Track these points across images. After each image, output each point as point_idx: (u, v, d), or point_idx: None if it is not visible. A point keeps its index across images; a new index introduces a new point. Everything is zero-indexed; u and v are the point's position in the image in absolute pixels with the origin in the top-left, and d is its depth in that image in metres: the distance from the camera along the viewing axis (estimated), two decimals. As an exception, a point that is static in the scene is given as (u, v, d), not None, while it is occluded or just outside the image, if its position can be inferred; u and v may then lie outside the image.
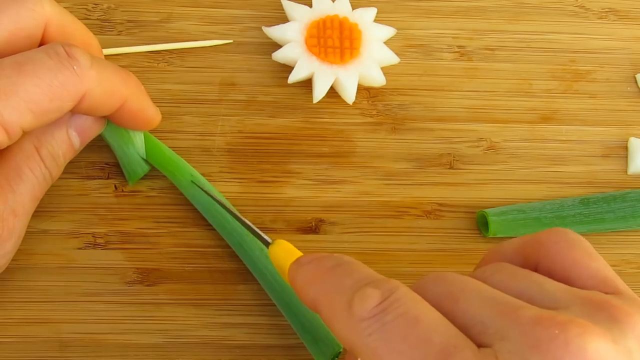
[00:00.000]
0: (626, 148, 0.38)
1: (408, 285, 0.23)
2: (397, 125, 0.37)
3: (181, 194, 0.35)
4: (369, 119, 0.37)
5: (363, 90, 0.38)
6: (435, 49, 0.39)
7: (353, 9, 0.38)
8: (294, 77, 0.36)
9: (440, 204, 0.36)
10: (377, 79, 0.37)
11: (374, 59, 0.37)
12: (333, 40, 0.36)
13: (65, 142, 0.30)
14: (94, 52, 0.32)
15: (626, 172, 0.38)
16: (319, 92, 0.36)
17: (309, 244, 0.35)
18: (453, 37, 0.40)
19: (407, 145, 0.37)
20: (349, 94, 0.36)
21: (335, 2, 0.38)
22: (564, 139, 0.38)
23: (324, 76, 0.36)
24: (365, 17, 0.38)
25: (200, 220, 0.35)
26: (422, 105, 0.38)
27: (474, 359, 0.21)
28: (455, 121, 0.38)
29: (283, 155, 0.36)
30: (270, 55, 0.37)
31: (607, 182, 0.37)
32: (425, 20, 0.40)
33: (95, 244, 0.34)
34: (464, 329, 0.22)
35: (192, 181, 0.33)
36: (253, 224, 0.34)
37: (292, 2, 0.38)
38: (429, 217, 0.36)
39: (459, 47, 0.39)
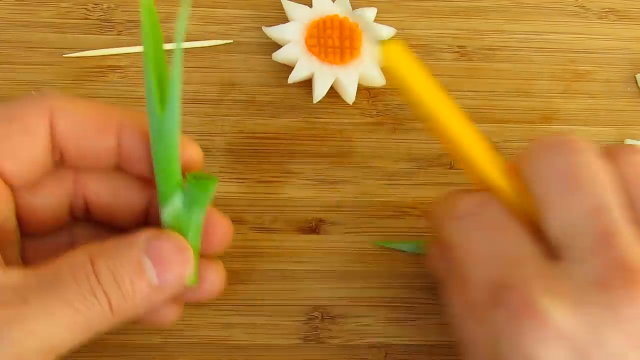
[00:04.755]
0: (626, 148, 0.38)
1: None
2: (397, 125, 0.37)
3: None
4: (369, 119, 0.37)
5: (363, 90, 0.38)
6: (435, 49, 0.39)
7: (353, 9, 0.38)
8: (294, 77, 0.36)
9: (440, 204, 0.36)
10: (377, 79, 0.37)
11: (374, 59, 0.37)
12: (333, 40, 0.36)
13: (134, 267, 0.23)
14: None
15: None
16: (319, 92, 0.36)
17: (309, 244, 0.35)
18: (453, 37, 0.40)
19: (407, 145, 0.37)
20: (349, 94, 0.36)
21: (335, 2, 0.38)
22: (564, 139, 0.38)
23: (324, 76, 0.36)
24: (365, 17, 0.38)
25: (200, 220, 0.35)
26: (422, 105, 0.38)
27: (537, 272, 0.23)
28: (455, 121, 0.38)
29: (283, 155, 0.36)
30: (271, 55, 0.37)
31: (607, 182, 0.37)
32: (425, 20, 0.40)
33: (95, 244, 0.34)
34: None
35: None
36: (253, 224, 0.34)
37: (292, 2, 0.38)
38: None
39: (459, 47, 0.39)
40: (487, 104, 0.38)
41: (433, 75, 0.39)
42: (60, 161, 0.26)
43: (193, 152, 0.27)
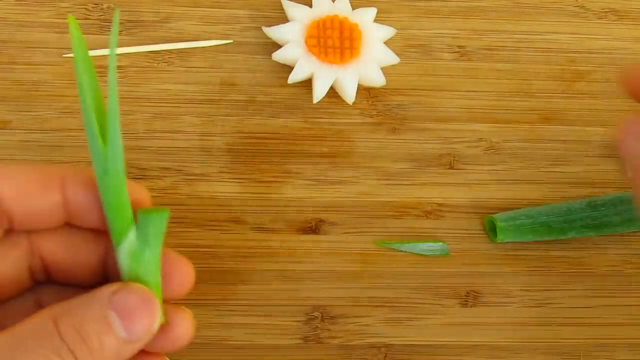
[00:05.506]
0: (626, 148, 0.38)
1: None
2: (397, 125, 0.37)
3: (182, 194, 0.35)
4: (369, 119, 0.37)
5: (363, 90, 0.38)
6: (435, 49, 0.39)
7: (353, 9, 0.38)
8: (294, 77, 0.36)
9: (440, 204, 0.36)
10: (377, 79, 0.37)
11: (373, 59, 0.37)
12: (333, 40, 0.36)
13: (100, 322, 0.23)
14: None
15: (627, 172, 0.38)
16: (319, 92, 0.36)
17: (309, 244, 0.35)
18: (453, 37, 0.40)
19: (407, 145, 0.37)
20: (349, 94, 0.36)
21: (335, 2, 0.38)
22: (564, 139, 0.38)
23: (323, 76, 0.36)
24: (365, 17, 0.38)
25: (200, 221, 0.35)
26: (422, 105, 0.38)
27: None
28: (455, 121, 0.38)
29: (283, 155, 0.36)
30: (271, 55, 0.37)
31: (607, 182, 0.37)
32: (425, 20, 0.40)
33: (95, 244, 0.34)
34: None
35: None
36: (253, 224, 0.34)
37: (292, 2, 0.38)
38: (429, 217, 0.36)
39: (459, 47, 0.39)
40: (487, 104, 0.38)
41: (433, 75, 0.39)
42: (11, 227, 0.26)
43: (140, 192, 0.26)
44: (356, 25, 0.37)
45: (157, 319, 0.24)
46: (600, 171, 0.38)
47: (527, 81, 0.39)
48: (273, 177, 0.36)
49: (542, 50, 0.40)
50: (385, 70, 0.37)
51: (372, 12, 0.38)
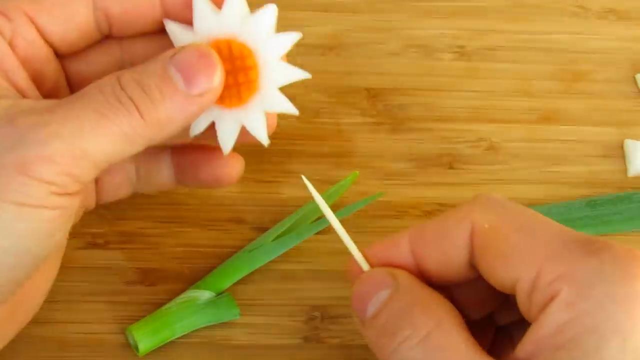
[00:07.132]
0: (626, 148, 0.38)
1: None
2: (397, 125, 0.37)
3: (182, 194, 0.35)
4: (369, 119, 0.37)
5: (363, 91, 0.38)
6: (435, 49, 0.39)
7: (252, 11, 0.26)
8: (195, 130, 0.27)
9: (440, 204, 0.36)
10: (287, 110, 0.28)
11: (274, 84, 0.27)
12: (226, 76, 0.26)
13: (160, 75, 0.24)
14: None
15: (626, 172, 0.38)
16: (226, 145, 0.28)
17: (309, 243, 0.35)
18: (453, 37, 0.40)
19: (407, 145, 0.37)
20: (261, 137, 0.28)
21: (219, 13, 0.26)
22: (564, 139, 0.38)
23: (226, 126, 0.28)
24: (259, 28, 0.26)
25: (200, 220, 0.35)
26: (422, 105, 0.38)
27: None
28: (455, 121, 0.38)
29: (283, 155, 0.36)
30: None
31: (607, 182, 0.37)
32: (425, 20, 0.40)
33: (95, 244, 0.34)
34: None
35: None
36: (253, 224, 0.34)
37: (177, 25, 0.26)
38: (429, 217, 0.36)
39: (459, 47, 0.39)
40: (487, 104, 0.38)
41: (433, 75, 0.39)
42: (107, 33, 0.27)
43: None
44: (244, 46, 0.26)
45: (217, 72, 0.25)
46: (600, 171, 0.38)
47: (527, 81, 0.39)
48: (273, 177, 0.36)
49: (542, 50, 0.40)
50: (385, 70, 0.37)
51: (268, 16, 0.26)
